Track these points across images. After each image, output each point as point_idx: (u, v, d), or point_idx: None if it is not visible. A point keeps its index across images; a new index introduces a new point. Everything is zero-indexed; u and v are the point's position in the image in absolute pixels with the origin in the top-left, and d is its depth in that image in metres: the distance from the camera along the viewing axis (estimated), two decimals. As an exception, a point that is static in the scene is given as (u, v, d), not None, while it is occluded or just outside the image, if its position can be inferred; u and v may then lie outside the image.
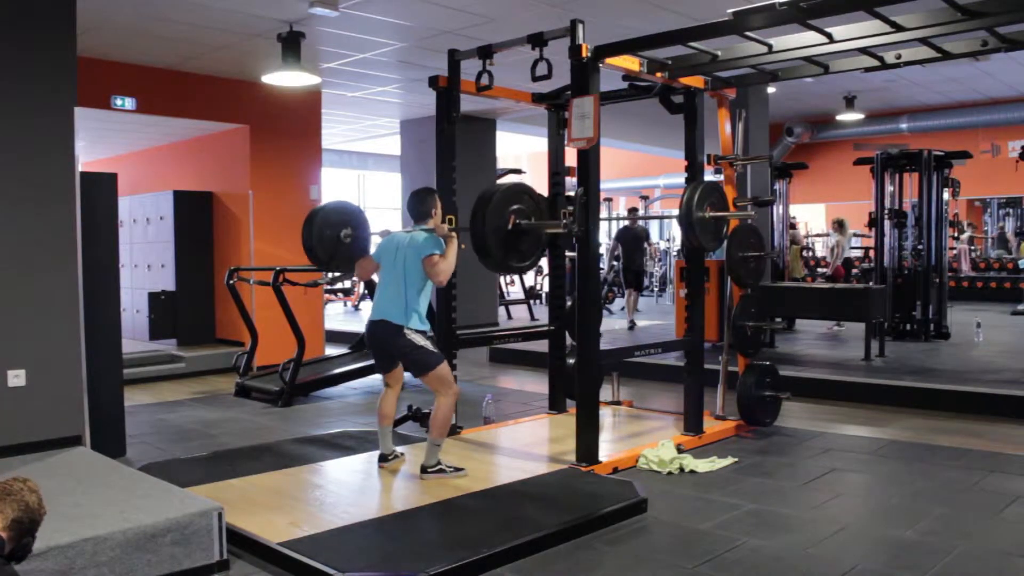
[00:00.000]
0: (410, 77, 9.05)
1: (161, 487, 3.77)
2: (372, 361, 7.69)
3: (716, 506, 4.21)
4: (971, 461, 5.02)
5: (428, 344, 4.48)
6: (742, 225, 5.78)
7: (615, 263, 12.20)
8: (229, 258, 9.14)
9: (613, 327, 11.26)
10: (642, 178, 18.95)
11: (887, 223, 9.91)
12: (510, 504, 4.15)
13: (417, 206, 4.67)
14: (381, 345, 4.60)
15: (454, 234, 4.61)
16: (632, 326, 11.31)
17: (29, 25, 4.58)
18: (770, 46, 4.90)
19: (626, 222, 12.51)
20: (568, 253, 6.47)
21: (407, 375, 5.68)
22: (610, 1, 6.40)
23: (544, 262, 14.90)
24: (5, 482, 2.61)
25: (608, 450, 5.10)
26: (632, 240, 11.71)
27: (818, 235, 17.79)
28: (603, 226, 17.16)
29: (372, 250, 4.94)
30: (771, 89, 10.02)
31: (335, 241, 5.05)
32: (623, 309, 14.37)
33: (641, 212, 14.98)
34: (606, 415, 6.01)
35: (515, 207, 4.88)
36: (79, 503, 3.44)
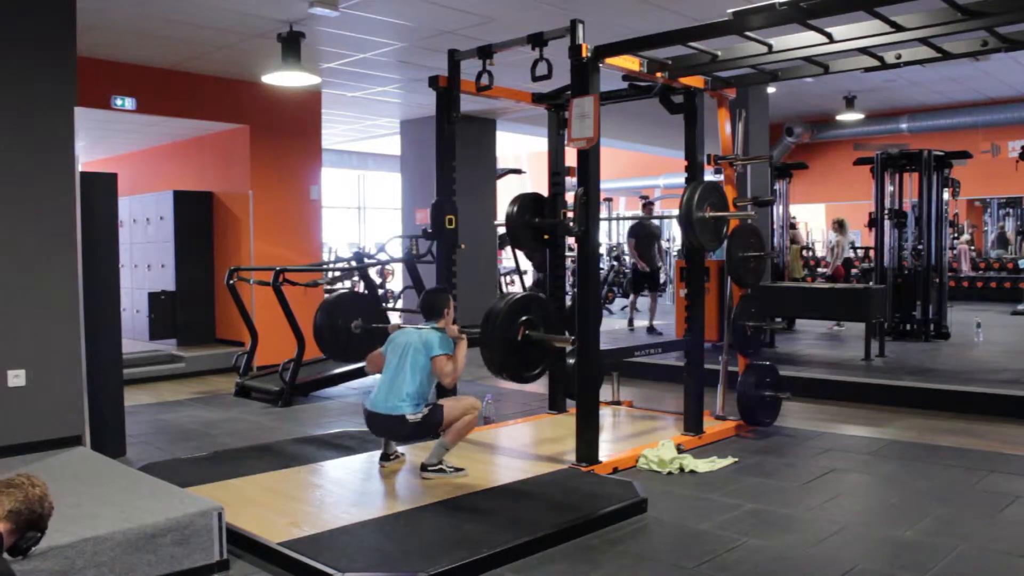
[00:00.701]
0: (410, 77, 9.04)
1: (161, 487, 3.77)
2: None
3: (716, 506, 4.21)
4: (971, 461, 5.02)
5: (426, 411, 4.44)
6: (742, 225, 5.78)
7: (630, 261, 11.03)
8: (229, 258, 9.14)
9: (613, 327, 11.25)
10: (642, 178, 18.93)
11: (887, 223, 9.91)
12: (510, 504, 4.15)
13: (430, 304, 4.69)
14: (383, 433, 4.65)
15: (464, 336, 4.62)
16: (652, 329, 10.44)
17: (29, 25, 4.58)
18: (770, 46, 4.90)
19: (638, 216, 11.63)
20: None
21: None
22: (610, 1, 6.40)
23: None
24: (10, 477, 2.62)
25: (608, 450, 5.10)
26: (647, 237, 10.73)
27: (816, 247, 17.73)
28: (603, 226, 17.17)
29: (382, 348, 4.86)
30: (771, 89, 10.01)
31: (346, 331, 5.18)
32: (623, 309, 14.38)
33: (640, 212, 14.71)
34: (606, 415, 6.01)
35: (524, 318, 4.82)
36: (79, 503, 3.44)
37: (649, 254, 10.60)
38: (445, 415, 4.47)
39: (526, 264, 7.76)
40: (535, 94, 6.15)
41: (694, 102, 5.58)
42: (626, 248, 10.80)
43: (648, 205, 11.34)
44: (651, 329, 10.48)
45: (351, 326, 5.25)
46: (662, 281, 13.27)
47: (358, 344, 5.24)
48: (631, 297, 11.39)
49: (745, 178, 8.74)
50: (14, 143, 4.51)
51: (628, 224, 12.15)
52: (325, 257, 12.32)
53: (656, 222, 11.88)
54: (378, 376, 4.66)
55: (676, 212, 5.35)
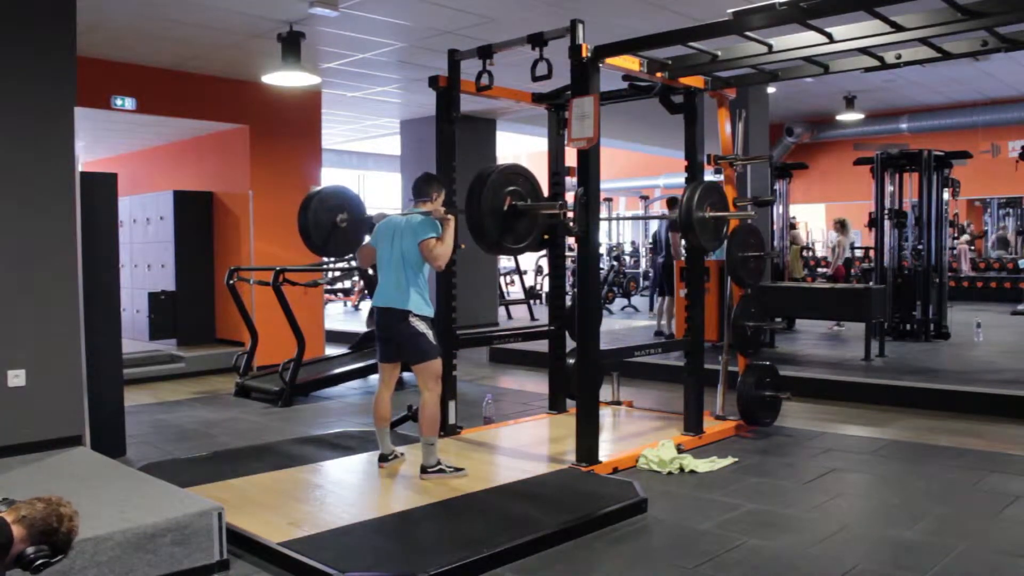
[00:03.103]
0: (410, 77, 9.04)
1: (161, 487, 3.77)
2: (372, 361, 7.72)
3: (716, 506, 4.21)
4: (971, 461, 5.02)
5: (429, 334, 4.49)
6: (742, 225, 5.78)
7: (657, 258, 10.40)
8: (229, 258, 9.14)
9: (613, 327, 11.25)
10: (642, 178, 18.95)
11: (887, 223, 9.91)
12: (510, 504, 4.15)
13: (421, 186, 4.67)
14: (387, 331, 4.61)
15: (451, 217, 4.59)
16: (662, 331, 9.94)
17: (29, 25, 4.58)
18: (770, 46, 4.90)
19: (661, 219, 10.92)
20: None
21: (406, 375, 5.68)
22: (610, 1, 6.40)
23: (544, 262, 14.97)
24: (49, 495, 2.62)
25: (608, 450, 5.10)
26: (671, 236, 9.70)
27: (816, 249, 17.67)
28: (603, 226, 17.16)
29: (368, 237, 4.91)
30: (771, 89, 10.02)
31: (331, 226, 5.06)
32: (624, 309, 14.41)
33: (641, 212, 14.57)
34: (606, 415, 6.01)
35: (511, 188, 4.86)
36: (79, 503, 3.41)
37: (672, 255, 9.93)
38: (434, 362, 4.49)
39: (526, 264, 7.76)
40: (535, 94, 6.15)
41: (694, 102, 5.58)
42: (667, 242, 10.02)
43: (673, 200, 10.78)
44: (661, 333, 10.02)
45: (336, 220, 5.11)
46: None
47: (343, 237, 5.12)
48: (663, 300, 10.26)
49: (745, 178, 8.73)
50: (14, 143, 4.51)
51: (628, 224, 12.06)
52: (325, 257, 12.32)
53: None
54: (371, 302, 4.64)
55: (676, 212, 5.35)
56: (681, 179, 5.73)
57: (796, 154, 14.55)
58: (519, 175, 5.00)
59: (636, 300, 15.04)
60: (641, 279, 16.13)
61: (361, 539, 3.68)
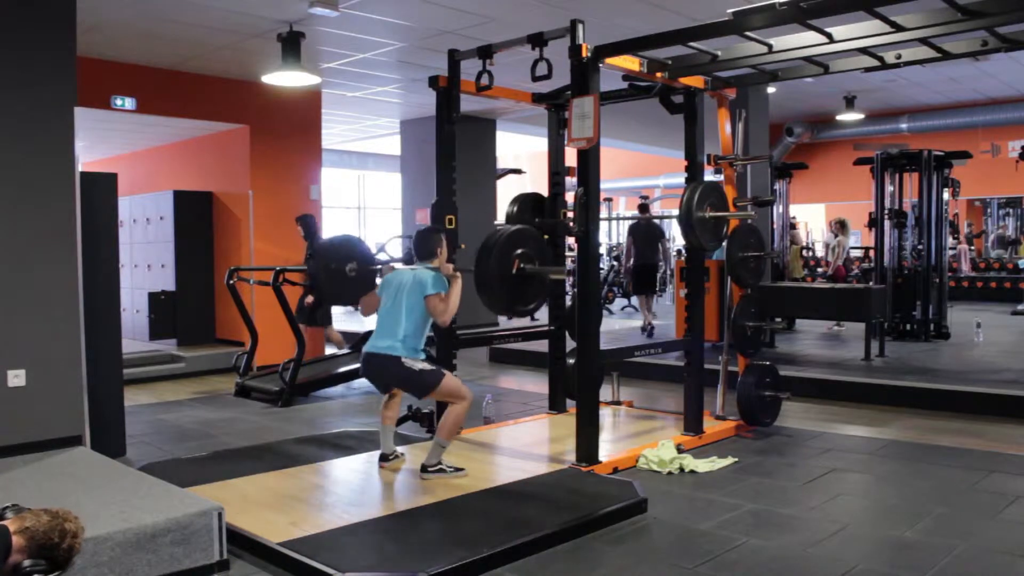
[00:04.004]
0: (410, 77, 9.05)
1: (161, 487, 3.77)
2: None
3: (716, 506, 4.21)
4: (971, 461, 5.02)
5: (426, 365, 4.44)
6: (742, 225, 5.78)
7: (627, 261, 10.70)
8: (229, 258, 9.14)
9: (613, 327, 11.25)
10: (642, 178, 18.95)
11: (887, 223, 9.91)
12: (510, 504, 4.15)
13: (423, 245, 4.67)
14: (378, 375, 4.58)
15: (458, 275, 4.60)
16: (650, 329, 10.24)
17: (29, 25, 4.58)
18: (770, 46, 4.90)
19: (632, 219, 11.43)
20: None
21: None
22: (610, 1, 6.40)
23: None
24: (58, 508, 2.62)
25: (608, 450, 5.10)
26: (645, 236, 10.34)
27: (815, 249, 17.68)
28: (603, 226, 17.16)
29: (377, 283, 4.91)
30: (771, 89, 10.01)
31: (340, 275, 5.15)
32: (623, 309, 14.41)
33: (650, 207, 14.45)
34: (606, 415, 6.01)
35: (519, 251, 4.85)
36: (79, 503, 3.44)
37: (647, 253, 10.35)
38: (443, 383, 4.42)
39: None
40: (535, 94, 6.15)
41: (694, 102, 5.58)
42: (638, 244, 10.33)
43: (644, 207, 11.10)
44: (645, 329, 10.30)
45: (346, 269, 5.21)
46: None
47: (353, 287, 5.19)
48: (640, 300, 10.75)
49: (745, 178, 8.74)
50: (14, 143, 4.51)
51: (628, 224, 12.07)
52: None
53: (656, 220, 11.55)
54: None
55: (676, 212, 5.35)
56: (681, 179, 5.73)
57: (796, 154, 14.54)
58: (527, 237, 4.96)
59: (636, 300, 15.01)
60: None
61: (361, 539, 3.68)
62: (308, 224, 8.39)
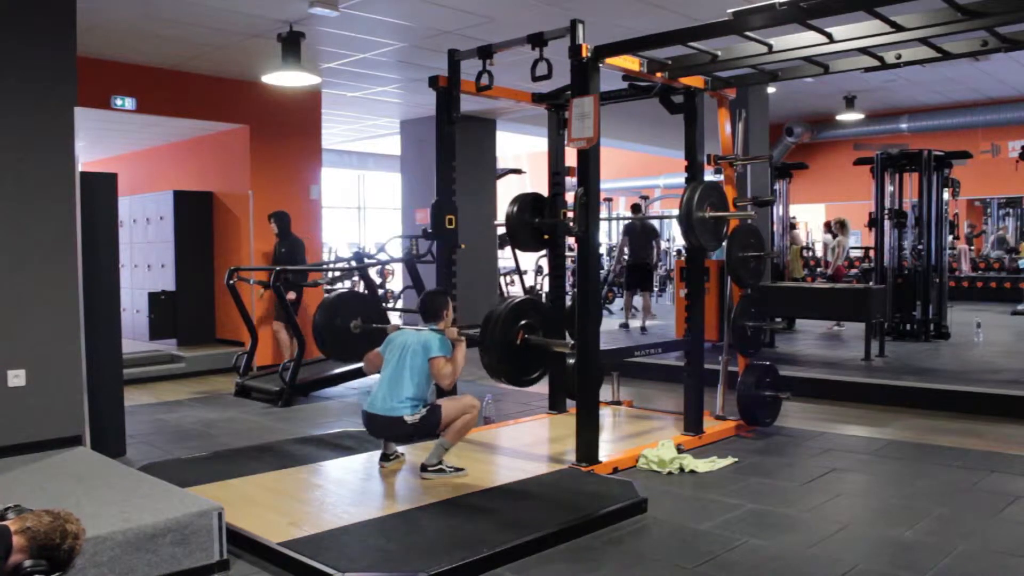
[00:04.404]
0: (410, 77, 9.04)
1: (161, 487, 3.77)
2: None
3: (716, 506, 4.21)
4: (971, 461, 5.02)
5: (424, 411, 4.44)
6: (742, 225, 5.78)
7: (624, 259, 11.22)
8: (229, 258, 9.13)
9: (613, 327, 11.25)
10: (642, 178, 18.94)
11: (887, 223, 9.91)
12: (510, 504, 4.15)
13: (429, 306, 4.69)
14: (381, 434, 4.64)
15: (463, 339, 4.61)
16: (626, 326, 10.91)
17: (29, 25, 4.58)
18: (770, 46, 4.90)
19: (627, 220, 11.92)
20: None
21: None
22: (610, 1, 6.40)
23: (544, 262, 14.97)
24: (60, 509, 2.62)
25: (608, 450, 5.10)
26: (640, 235, 10.86)
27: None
28: (603, 226, 17.17)
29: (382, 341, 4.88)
30: (771, 89, 10.01)
31: (345, 331, 5.21)
32: (623, 309, 14.39)
33: (643, 208, 14.77)
34: (606, 415, 6.02)
35: (523, 322, 4.86)
36: (79, 503, 3.44)
37: (641, 252, 10.90)
38: (443, 415, 4.47)
39: (526, 264, 7.82)
40: (535, 94, 6.15)
41: (694, 102, 5.58)
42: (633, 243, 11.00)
43: (636, 207, 11.73)
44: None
45: (350, 326, 5.28)
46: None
47: (357, 344, 5.26)
48: (626, 296, 11.42)
49: (745, 178, 8.74)
50: (14, 143, 4.51)
51: (624, 223, 12.34)
52: (325, 257, 12.32)
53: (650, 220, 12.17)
54: (377, 377, 4.67)
55: (676, 212, 5.35)
56: (681, 179, 5.73)
57: (796, 154, 14.54)
58: (531, 309, 4.97)
59: (636, 300, 15.01)
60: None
61: (361, 539, 3.68)
62: (282, 221, 8.39)
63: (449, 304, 4.74)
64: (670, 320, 10.12)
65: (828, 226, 12.02)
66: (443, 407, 4.50)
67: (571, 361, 4.94)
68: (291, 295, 7.89)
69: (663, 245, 18.64)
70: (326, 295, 5.66)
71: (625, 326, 11.03)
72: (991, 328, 10.29)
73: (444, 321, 4.67)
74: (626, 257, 11.08)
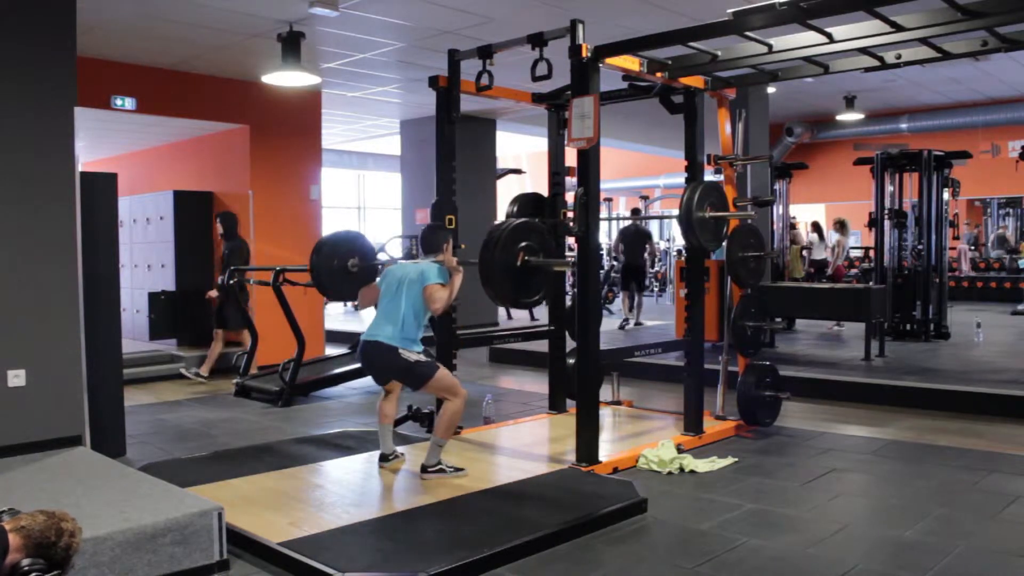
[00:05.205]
0: (410, 77, 9.04)
1: (161, 487, 3.77)
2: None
3: (716, 506, 4.21)
4: (971, 461, 5.02)
5: (422, 357, 4.46)
6: (742, 225, 5.78)
7: (615, 261, 12.28)
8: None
9: (613, 327, 11.26)
10: (642, 178, 18.95)
11: (887, 223, 9.92)
12: (510, 504, 4.15)
13: (429, 240, 4.68)
14: (374, 364, 4.59)
15: (461, 268, 4.61)
16: (625, 325, 11.34)
17: (29, 25, 4.58)
18: (770, 46, 4.90)
19: (627, 222, 12.51)
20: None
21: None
22: (610, 1, 6.40)
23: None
24: (54, 509, 2.62)
25: (608, 450, 5.10)
26: (635, 238, 11.62)
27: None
28: (603, 226, 17.18)
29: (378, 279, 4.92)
30: (771, 89, 10.02)
31: (342, 271, 5.15)
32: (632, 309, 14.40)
33: (642, 212, 15.00)
34: (606, 415, 6.02)
35: (524, 244, 4.87)
36: (79, 503, 3.44)
37: (637, 254, 11.60)
38: (437, 376, 4.45)
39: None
40: (535, 94, 6.15)
41: (694, 102, 5.58)
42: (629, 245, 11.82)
43: (636, 211, 12.82)
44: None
45: (348, 264, 5.21)
46: (647, 284, 14.47)
47: (355, 283, 5.19)
48: (623, 296, 11.89)
49: (745, 178, 8.74)
50: (14, 143, 4.51)
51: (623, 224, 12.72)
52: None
53: (642, 224, 12.79)
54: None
55: (676, 212, 5.35)
56: (681, 179, 5.73)
57: (796, 154, 14.55)
58: (531, 230, 4.98)
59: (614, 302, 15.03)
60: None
61: (361, 539, 3.68)
62: (228, 221, 8.39)
63: (449, 238, 4.72)
64: (670, 320, 10.13)
65: (816, 226, 12.08)
66: (441, 370, 4.52)
67: (571, 361, 4.95)
68: (212, 293, 7.92)
69: (663, 245, 18.69)
70: (322, 236, 5.51)
71: (624, 324, 11.41)
72: (991, 328, 10.30)
73: (444, 253, 4.65)
74: (621, 257, 11.75)
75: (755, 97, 9.40)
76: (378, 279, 4.76)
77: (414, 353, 4.43)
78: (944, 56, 4.89)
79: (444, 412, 4.50)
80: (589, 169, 4.70)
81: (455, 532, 3.78)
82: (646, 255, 11.85)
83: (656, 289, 17.29)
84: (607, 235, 18.84)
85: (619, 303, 14.65)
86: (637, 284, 11.62)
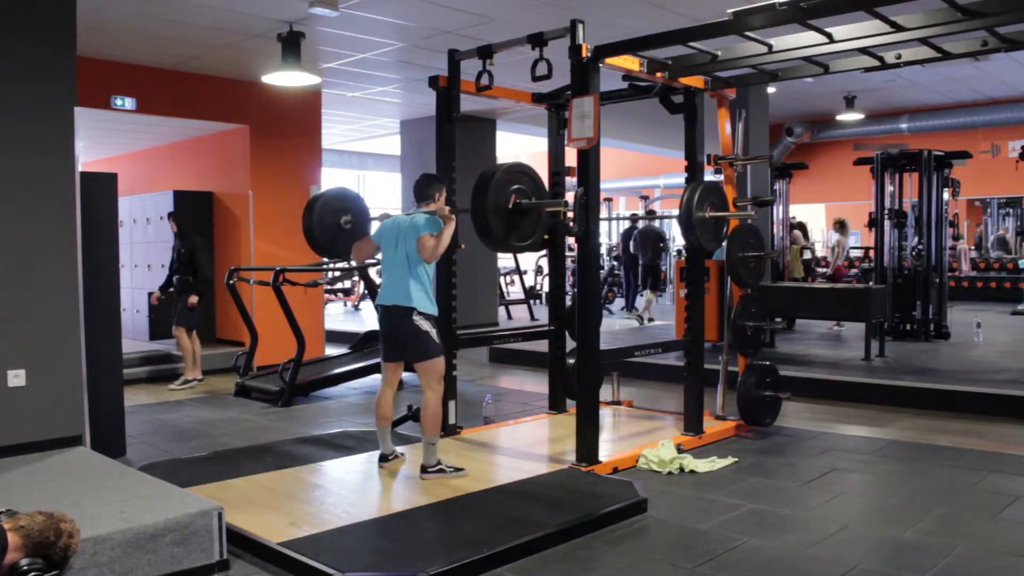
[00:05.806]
0: (410, 77, 9.05)
1: (161, 487, 3.77)
2: (372, 361, 7.72)
3: (716, 506, 4.21)
4: (971, 461, 5.02)
5: (433, 332, 4.53)
6: (742, 225, 5.78)
7: (615, 261, 12.67)
8: (229, 258, 9.13)
9: (613, 327, 11.26)
10: (642, 178, 18.94)
11: (887, 223, 9.91)
12: (510, 504, 4.15)
13: (422, 188, 4.69)
14: (392, 330, 4.63)
15: (453, 217, 4.63)
16: (642, 322, 11.83)
17: (29, 25, 4.58)
18: (770, 46, 4.90)
19: (642, 223, 13.15)
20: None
21: (407, 375, 5.62)
22: (610, 1, 6.40)
23: (544, 262, 14.98)
24: (52, 510, 2.63)
25: (608, 450, 5.10)
26: (654, 239, 12.34)
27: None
28: (603, 226, 17.17)
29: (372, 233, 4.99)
30: (771, 89, 10.02)
31: (335, 228, 5.12)
32: (623, 309, 14.41)
33: (641, 212, 15.08)
34: (606, 415, 6.01)
35: (516, 187, 4.90)
36: (79, 503, 3.44)
37: (655, 254, 12.39)
38: (437, 361, 4.55)
39: (526, 264, 7.83)
40: (535, 94, 6.15)
41: (694, 102, 5.58)
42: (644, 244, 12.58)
43: (651, 212, 13.65)
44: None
45: (340, 222, 5.17)
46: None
47: (348, 240, 5.17)
48: (647, 294, 12.47)
49: (745, 178, 8.74)
50: (14, 143, 4.51)
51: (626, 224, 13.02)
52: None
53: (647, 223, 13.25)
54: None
55: (676, 212, 5.35)
56: (681, 179, 5.73)
57: (796, 154, 14.54)
58: (523, 173, 5.03)
59: (636, 300, 15.03)
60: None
61: (361, 539, 3.68)
62: (183, 221, 8.33)
63: (443, 188, 4.75)
64: (670, 320, 10.13)
65: (802, 226, 12.14)
66: (442, 358, 4.61)
67: (571, 361, 4.95)
68: (193, 299, 7.84)
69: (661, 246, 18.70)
70: (312, 195, 5.42)
71: (641, 320, 12.01)
72: (991, 328, 10.29)
73: (436, 203, 4.67)
74: (640, 258, 12.54)
75: (755, 97, 9.40)
76: (374, 234, 4.79)
77: (428, 323, 4.49)
78: (944, 56, 4.89)
79: (426, 409, 4.53)
80: (589, 169, 4.70)
81: (455, 532, 3.78)
82: (649, 255, 12.50)
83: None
84: (607, 235, 18.86)
85: (620, 303, 14.73)
86: (654, 283, 12.34)
